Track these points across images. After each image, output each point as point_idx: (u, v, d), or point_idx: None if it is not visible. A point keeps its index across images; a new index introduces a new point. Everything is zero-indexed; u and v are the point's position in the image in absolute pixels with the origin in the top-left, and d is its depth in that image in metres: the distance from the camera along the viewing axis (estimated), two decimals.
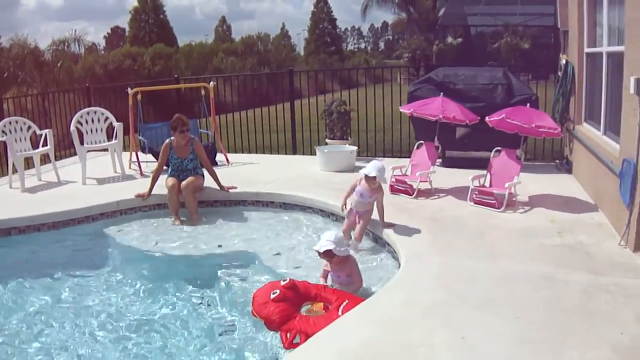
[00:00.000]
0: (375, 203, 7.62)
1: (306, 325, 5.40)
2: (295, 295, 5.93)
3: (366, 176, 7.44)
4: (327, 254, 6.24)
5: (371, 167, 7.41)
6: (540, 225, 7.41)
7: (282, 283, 5.98)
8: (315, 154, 11.50)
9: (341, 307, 5.56)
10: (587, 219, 7.55)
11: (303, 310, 5.87)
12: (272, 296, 5.76)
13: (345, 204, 7.92)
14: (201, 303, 6.44)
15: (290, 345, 5.22)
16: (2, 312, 6.42)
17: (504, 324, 4.86)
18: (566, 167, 10.37)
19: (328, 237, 6.29)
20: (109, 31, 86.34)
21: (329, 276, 6.54)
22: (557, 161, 10.91)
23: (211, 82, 12.62)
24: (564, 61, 10.38)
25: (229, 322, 5.88)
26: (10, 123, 11.07)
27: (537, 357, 4.35)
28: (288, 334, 5.36)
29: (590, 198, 8.45)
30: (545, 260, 6.22)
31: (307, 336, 5.09)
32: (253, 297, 6.00)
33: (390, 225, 7.53)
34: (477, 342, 4.56)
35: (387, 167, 9.05)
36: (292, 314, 5.64)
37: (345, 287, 6.34)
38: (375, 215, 7.65)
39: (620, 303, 5.16)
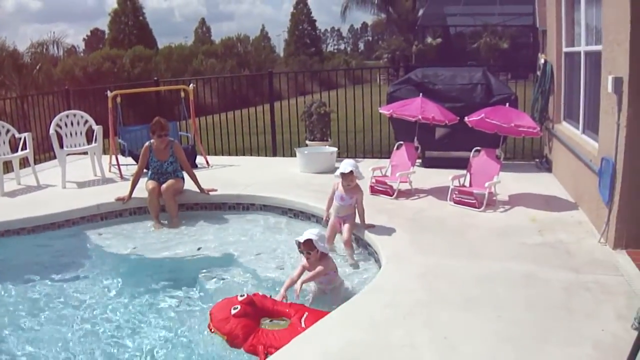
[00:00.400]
0: (356, 205, 7.56)
1: (271, 339, 5.27)
2: (253, 311, 5.76)
3: (342, 174, 7.38)
4: (307, 245, 6.18)
5: (345, 165, 7.39)
6: (521, 224, 7.44)
7: (240, 298, 5.81)
8: (295, 156, 11.50)
9: (303, 319, 5.49)
10: (567, 217, 7.59)
11: (263, 325, 5.72)
12: (233, 312, 5.57)
13: (328, 213, 7.87)
14: (179, 305, 6.43)
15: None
16: None
17: (485, 322, 4.88)
18: (546, 165, 10.42)
19: (311, 230, 6.30)
20: (89, 33, 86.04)
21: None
22: (537, 160, 10.95)
23: (191, 84, 12.59)
24: (542, 60, 10.43)
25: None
26: None
27: (518, 355, 4.37)
28: (266, 352, 5.17)
29: (570, 196, 8.50)
30: (526, 258, 6.25)
31: (276, 349, 5.02)
32: (210, 314, 5.78)
33: (370, 226, 7.51)
34: (458, 342, 4.57)
35: (367, 168, 9.10)
36: (254, 329, 5.50)
37: (325, 286, 6.35)
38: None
39: (600, 300, 5.19)
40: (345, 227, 7.44)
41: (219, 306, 5.85)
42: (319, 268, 6.21)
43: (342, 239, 7.43)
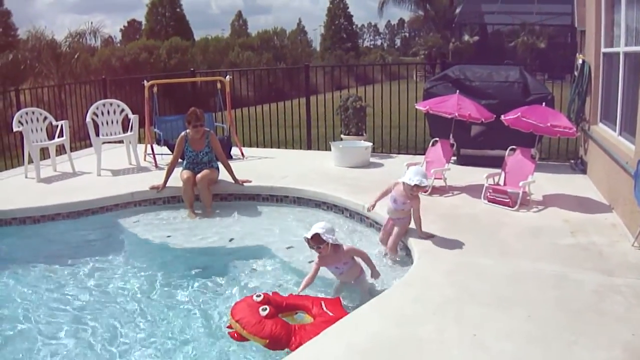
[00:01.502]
0: (412, 211, 7.16)
1: (312, 332, 5.09)
2: (275, 309, 5.58)
3: (405, 184, 6.93)
4: (316, 240, 6.07)
5: (412, 174, 6.86)
6: (554, 224, 7.39)
7: (257, 299, 5.61)
8: (329, 149, 11.52)
9: (324, 308, 5.46)
10: (601, 220, 7.53)
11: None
12: (263, 313, 5.34)
13: (374, 204, 7.48)
14: (217, 292, 6.49)
15: None
16: (12, 299, 6.52)
17: (514, 321, 4.87)
18: (581, 167, 10.34)
19: (317, 225, 6.19)
20: (126, 24, 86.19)
21: (329, 271, 6.40)
22: (572, 161, 10.87)
23: (227, 76, 12.65)
24: (580, 61, 10.34)
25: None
26: (26, 114, 11.17)
27: (547, 355, 4.35)
28: None
29: (604, 199, 8.43)
30: (558, 259, 6.22)
31: None
32: (237, 320, 5.38)
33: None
34: (487, 339, 4.57)
35: (402, 164, 9.10)
36: (291, 326, 5.32)
37: (348, 277, 6.33)
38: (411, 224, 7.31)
39: (632, 304, 5.15)
40: (395, 232, 7.15)
41: (242, 310, 5.52)
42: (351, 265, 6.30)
43: (388, 244, 7.18)
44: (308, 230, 6.14)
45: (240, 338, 5.34)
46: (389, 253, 7.13)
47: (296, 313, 5.77)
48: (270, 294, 5.93)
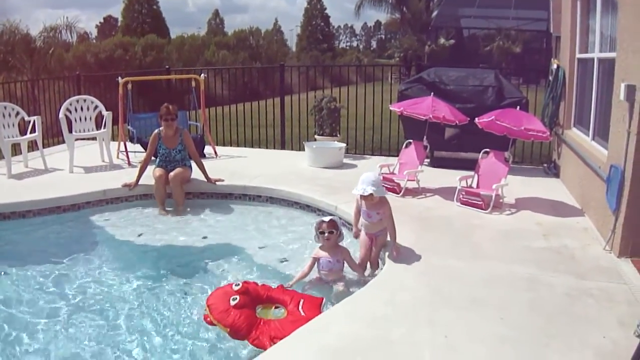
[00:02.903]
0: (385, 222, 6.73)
1: (275, 330, 5.20)
2: (249, 299, 5.68)
3: (361, 196, 6.49)
4: (331, 224, 6.37)
5: (362, 184, 6.38)
6: (526, 227, 7.43)
7: (235, 288, 5.72)
8: (303, 150, 11.51)
9: (300, 307, 5.45)
10: (573, 223, 7.58)
11: (257, 313, 5.66)
12: (233, 303, 5.47)
13: (357, 228, 6.97)
14: (186, 294, 6.45)
15: None
16: None
17: (486, 324, 4.88)
18: (554, 171, 10.40)
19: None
20: (102, 20, 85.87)
21: (319, 263, 6.47)
22: (545, 165, 10.94)
23: (202, 74, 12.60)
24: (555, 66, 10.41)
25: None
26: None
27: (519, 358, 4.37)
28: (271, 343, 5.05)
29: (576, 202, 8.48)
30: (530, 262, 6.24)
31: (280, 340, 4.98)
32: (208, 305, 5.62)
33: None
34: (459, 342, 4.57)
35: (375, 165, 9.11)
36: (255, 320, 5.41)
37: (337, 273, 6.38)
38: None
39: (603, 307, 5.18)
40: (375, 248, 6.77)
41: (216, 296, 5.74)
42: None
43: (371, 260, 6.78)
44: (305, 228, 6.40)
45: (212, 323, 5.46)
46: (372, 268, 6.73)
47: (276, 307, 5.77)
48: (259, 284, 6.03)
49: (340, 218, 7.83)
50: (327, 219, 6.39)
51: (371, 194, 6.29)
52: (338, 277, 6.39)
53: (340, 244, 6.61)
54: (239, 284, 5.81)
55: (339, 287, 6.25)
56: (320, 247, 6.49)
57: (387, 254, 6.47)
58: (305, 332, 4.87)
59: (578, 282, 5.73)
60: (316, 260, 6.45)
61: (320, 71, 24.26)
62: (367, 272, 6.67)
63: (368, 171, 6.82)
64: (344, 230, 6.78)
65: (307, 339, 4.76)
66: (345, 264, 6.53)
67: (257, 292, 5.87)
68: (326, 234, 6.36)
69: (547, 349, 4.47)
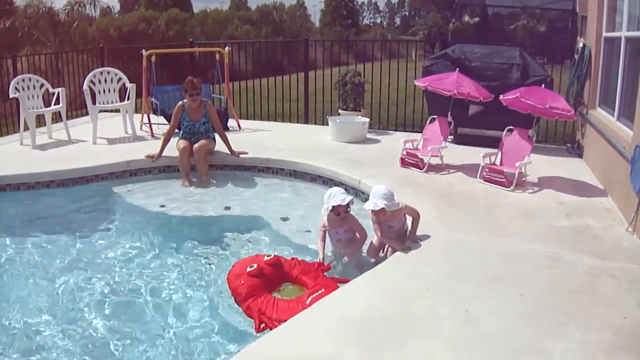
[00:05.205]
0: (407, 228, 6.40)
1: (269, 307, 5.22)
2: (275, 273, 5.71)
3: (334, 207, 6.24)
4: (344, 206, 6.22)
5: (373, 197, 6.11)
6: (549, 206, 7.40)
7: (266, 258, 5.78)
8: (327, 124, 11.51)
9: (312, 296, 5.34)
10: (596, 203, 7.53)
11: (282, 289, 5.72)
12: (249, 269, 5.57)
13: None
14: (210, 263, 6.52)
15: (259, 330, 5.04)
16: (5, 266, 6.52)
17: (506, 300, 4.89)
18: (577, 151, 10.32)
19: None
20: None
21: (329, 234, 6.47)
22: (568, 145, 10.86)
23: (226, 47, 12.59)
24: (581, 44, 10.31)
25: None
26: (23, 80, 11.09)
27: (538, 335, 4.37)
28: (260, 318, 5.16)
29: (599, 183, 8.43)
30: (552, 240, 6.23)
31: (269, 319, 5.06)
32: (232, 267, 5.85)
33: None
34: (479, 316, 4.59)
35: (399, 141, 9.11)
36: (260, 291, 5.43)
37: (346, 244, 6.38)
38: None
39: (624, 288, 5.17)
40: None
41: (242, 261, 5.90)
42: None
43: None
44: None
45: None
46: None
47: (301, 288, 5.74)
48: (298, 259, 6.12)
49: (362, 192, 7.89)
50: (345, 201, 6.17)
51: (383, 209, 5.99)
52: (350, 248, 6.39)
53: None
54: (270, 255, 5.88)
55: (358, 260, 6.32)
56: (328, 217, 6.37)
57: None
58: (327, 303, 4.93)
59: (599, 262, 5.71)
60: (325, 231, 6.43)
61: (344, 47, 24.16)
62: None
63: (380, 184, 6.39)
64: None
65: (329, 309, 4.80)
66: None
67: (290, 269, 5.90)
68: (341, 215, 6.29)
69: (566, 327, 4.48)
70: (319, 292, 5.38)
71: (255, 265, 5.62)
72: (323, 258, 6.22)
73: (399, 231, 6.33)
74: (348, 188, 8.31)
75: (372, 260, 6.39)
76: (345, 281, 5.62)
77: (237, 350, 4.56)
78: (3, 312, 5.54)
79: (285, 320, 4.77)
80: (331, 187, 6.76)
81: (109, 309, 5.58)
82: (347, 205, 6.23)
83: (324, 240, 6.42)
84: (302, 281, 5.79)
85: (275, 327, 4.81)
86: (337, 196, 6.23)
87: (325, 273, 5.91)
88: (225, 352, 4.83)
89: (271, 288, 5.62)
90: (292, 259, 6.14)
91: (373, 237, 6.47)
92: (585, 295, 5.03)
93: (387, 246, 6.39)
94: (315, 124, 13.35)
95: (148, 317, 5.46)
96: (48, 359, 4.82)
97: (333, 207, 6.20)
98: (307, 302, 5.23)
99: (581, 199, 7.68)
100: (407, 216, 6.35)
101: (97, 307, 5.61)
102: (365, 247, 6.50)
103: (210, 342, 4.99)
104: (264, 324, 5.07)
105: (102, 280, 6.14)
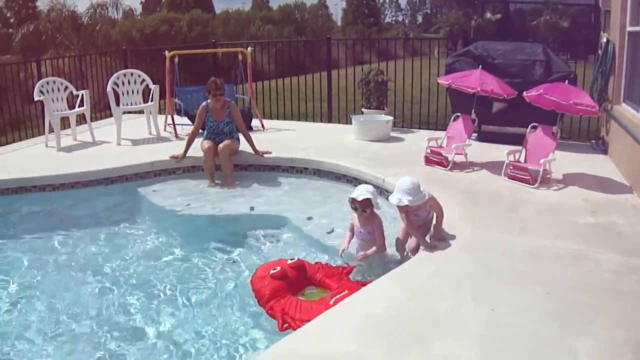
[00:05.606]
0: (434, 215, 6.31)
1: (292, 308, 5.24)
2: (298, 276, 5.74)
3: (353, 199, 6.30)
4: (364, 203, 6.21)
5: (397, 192, 6.01)
6: (573, 203, 7.35)
7: (289, 262, 5.82)
8: (350, 123, 11.49)
9: (335, 297, 5.35)
10: (622, 200, 7.47)
11: (306, 292, 5.74)
12: (272, 272, 5.60)
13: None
14: (234, 262, 6.56)
15: (282, 329, 5.08)
16: (30, 266, 6.62)
17: (532, 298, 4.87)
18: (602, 147, 10.25)
19: (365, 188, 6.35)
20: None
21: (355, 231, 6.50)
22: (593, 141, 10.78)
23: (249, 48, 12.63)
24: (604, 39, 10.23)
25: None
26: (47, 83, 11.22)
27: (564, 333, 4.35)
28: (284, 319, 5.19)
29: (625, 179, 8.36)
30: (577, 238, 6.19)
31: (292, 319, 5.08)
32: (255, 270, 5.88)
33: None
34: (505, 315, 4.58)
35: (423, 139, 9.10)
36: (283, 293, 5.46)
37: (368, 245, 6.35)
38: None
39: None
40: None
41: (265, 265, 5.91)
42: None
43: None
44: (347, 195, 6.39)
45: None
46: (412, 253, 6.23)
47: (325, 291, 5.74)
48: (323, 263, 6.19)
49: (387, 191, 7.88)
50: (360, 197, 6.20)
51: (398, 206, 6.01)
52: (372, 248, 6.34)
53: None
54: (293, 259, 5.90)
55: (382, 259, 6.33)
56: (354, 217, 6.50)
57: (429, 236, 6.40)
58: (351, 302, 4.93)
59: (625, 259, 5.67)
60: (352, 226, 6.51)
61: (367, 45, 24.10)
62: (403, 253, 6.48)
63: (405, 176, 6.18)
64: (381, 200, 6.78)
65: (353, 307, 4.81)
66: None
67: (313, 273, 5.93)
68: (359, 211, 6.33)
69: (592, 324, 4.45)
70: (342, 293, 5.40)
71: (279, 268, 5.64)
72: (344, 249, 6.36)
73: (425, 219, 6.33)
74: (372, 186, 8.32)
75: (397, 258, 6.40)
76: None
77: (261, 349, 4.59)
78: (33, 308, 5.65)
79: (308, 321, 4.79)
80: (357, 185, 6.78)
81: (131, 305, 5.67)
82: (366, 203, 6.23)
83: (350, 232, 6.52)
84: (325, 284, 5.80)
85: (299, 327, 4.83)
86: (357, 190, 6.31)
87: (349, 276, 5.92)
88: (250, 350, 4.88)
89: (294, 291, 5.64)
90: (316, 263, 6.17)
91: (399, 231, 6.52)
92: (611, 292, 4.99)
93: (409, 246, 6.39)
94: (339, 122, 13.35)
95: (175, 317, 5.50)
96: (76, 353, 4.91)
97: (350, 199, 6.31)
98: (331, 302, 5.24)
99: (606, 196, 7.63)
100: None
101: (123, 306, 5.68)
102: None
103: (233, 341, 5.04)
104: (287, 324, 5.09)
105: (128, 279, 6.23)
